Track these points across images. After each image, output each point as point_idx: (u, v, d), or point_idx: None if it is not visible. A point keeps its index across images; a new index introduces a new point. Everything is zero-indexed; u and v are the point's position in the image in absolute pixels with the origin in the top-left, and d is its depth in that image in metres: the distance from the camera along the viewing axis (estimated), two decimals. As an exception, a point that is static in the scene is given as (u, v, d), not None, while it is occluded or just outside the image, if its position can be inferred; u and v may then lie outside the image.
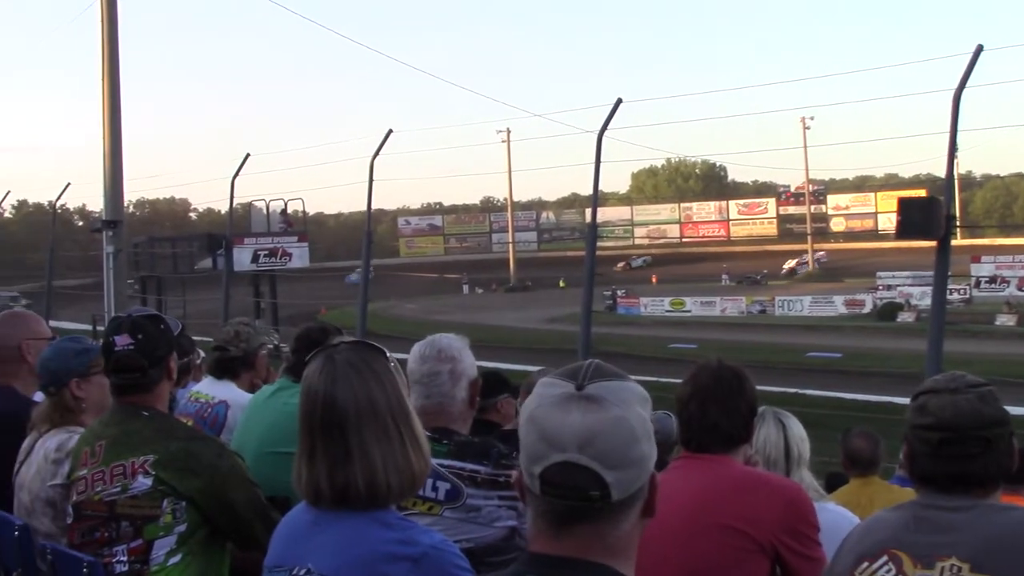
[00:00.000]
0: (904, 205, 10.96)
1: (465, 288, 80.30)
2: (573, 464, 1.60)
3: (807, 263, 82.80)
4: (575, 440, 1.60)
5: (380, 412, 2.21)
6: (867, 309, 53.96)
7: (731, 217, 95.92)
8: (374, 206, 16.36)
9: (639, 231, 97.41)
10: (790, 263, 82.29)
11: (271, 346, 5.50)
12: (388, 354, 2.34)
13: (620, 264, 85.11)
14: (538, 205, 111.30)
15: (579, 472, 1.60)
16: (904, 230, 10.66)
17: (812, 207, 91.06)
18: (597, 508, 1.63)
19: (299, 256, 28.35)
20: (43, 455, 3.76)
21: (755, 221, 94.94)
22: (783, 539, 2.92)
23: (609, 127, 12.95)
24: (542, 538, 1.69)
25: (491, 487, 3.10)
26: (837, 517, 3.58)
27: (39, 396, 4.18)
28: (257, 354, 5.28)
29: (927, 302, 24.49)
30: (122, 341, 3.30)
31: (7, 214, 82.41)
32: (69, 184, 22.90)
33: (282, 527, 2.36)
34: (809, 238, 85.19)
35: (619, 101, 13.03)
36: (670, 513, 1.77)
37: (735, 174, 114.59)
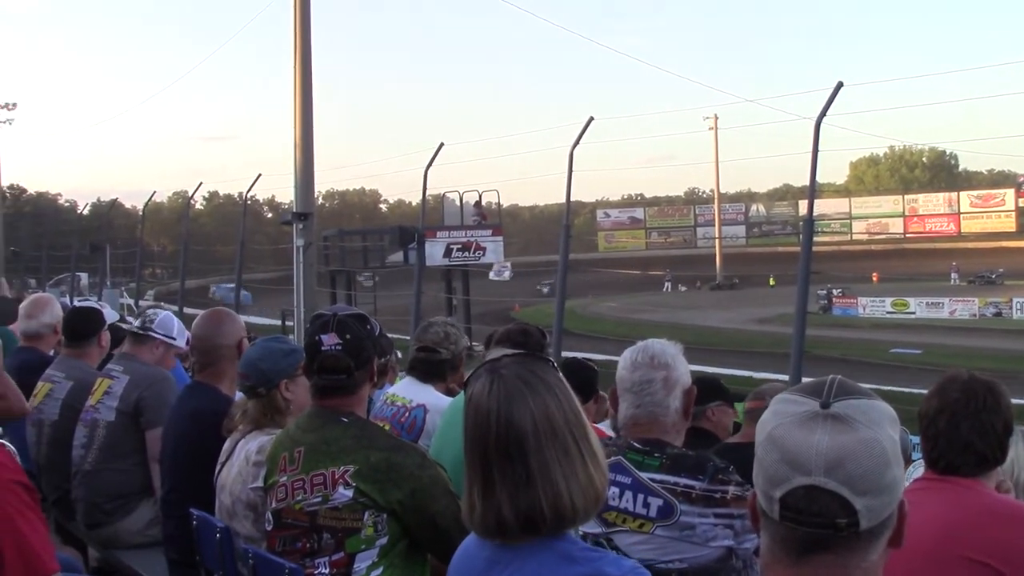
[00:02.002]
0: None
1: (667, 286, 79.59)
2: (819, 489, 1.56)
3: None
4: (822, 463, 1.56)
5: (559, 429, 2.17)
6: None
7: (962, 210, 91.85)
8: (572, 198, 16.42)
9: (858, 225, 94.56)
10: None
11: (467, 347, 5.52)
12: (555, 364, 2.30)
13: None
14: (747, 197, 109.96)
15: (825, 497, 1.56)
16: None
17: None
18: (842, 537, 1.58)
19: (493, 250, 28.67)
20: (244, 457, 3.90)
21: (990, 214, 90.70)
22: None
23: (828, 112, 12.70)
24: (778, 567, 1.65)
25: (707, 504, 3.07)
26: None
27: (237, 396, 4.34)
28: (463, 357, 5.27)
29: None
30: (330, 341, 3.36)
31: (198, 205, 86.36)
32: (260, 175, 23.94)
33: (455, 569, 2.33)
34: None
35: (840, 85, 12.79)
36: (911, 542, 1.69)
37: (967, 163, 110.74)
